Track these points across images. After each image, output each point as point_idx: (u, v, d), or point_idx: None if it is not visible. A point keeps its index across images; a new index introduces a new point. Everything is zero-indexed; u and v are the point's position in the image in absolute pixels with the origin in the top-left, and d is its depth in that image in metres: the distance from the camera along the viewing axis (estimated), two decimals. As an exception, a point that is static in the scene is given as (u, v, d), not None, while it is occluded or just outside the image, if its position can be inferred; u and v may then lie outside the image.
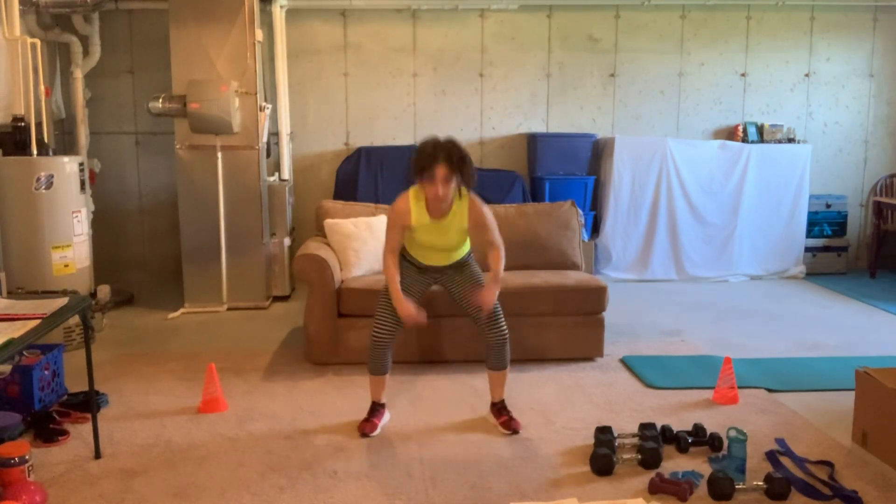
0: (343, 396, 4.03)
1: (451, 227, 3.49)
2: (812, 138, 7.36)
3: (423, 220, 3.47)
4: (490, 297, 3.47)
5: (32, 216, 4.74)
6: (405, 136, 7.12)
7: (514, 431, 3.56)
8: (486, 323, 3.58)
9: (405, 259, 3.65)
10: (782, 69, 7.29)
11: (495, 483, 3.07)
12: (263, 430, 3.60)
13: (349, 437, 3.51)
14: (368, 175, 6.71)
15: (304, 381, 4.28)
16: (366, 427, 3.56)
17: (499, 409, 3.68)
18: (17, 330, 2.72)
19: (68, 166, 4.87)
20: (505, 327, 3.61)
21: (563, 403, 3.93)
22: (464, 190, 3.48)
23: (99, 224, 6.46)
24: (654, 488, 2.97)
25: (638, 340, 5.04)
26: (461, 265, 3.66)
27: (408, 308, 3.44)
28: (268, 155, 6.41)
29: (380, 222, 4.90)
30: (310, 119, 7.08)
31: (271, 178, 6.39)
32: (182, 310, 5.85)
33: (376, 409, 3.67)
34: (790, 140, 7.14)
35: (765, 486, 2.94)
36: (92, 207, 5.95)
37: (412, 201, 3.47)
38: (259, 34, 5.99)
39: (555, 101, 7.21)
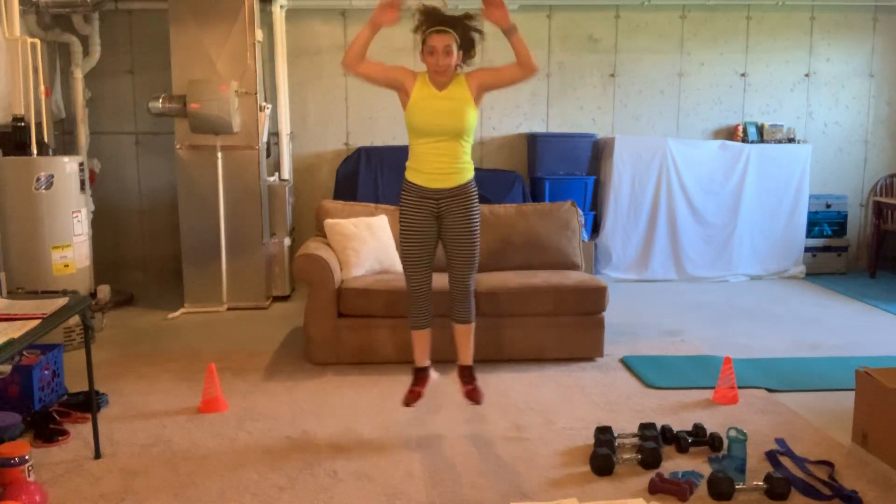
0: (343, 396, 4.03)
1: (455, 101, 3.42)
2: (812, 138, 7.36)
3: (427, 90, 3.42)
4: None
5: (32, 216, 4.74)
6: (405, 136, 7.08)
7: (476, 402, 3.51)
8: (457, 268, 3.50)
9: (404, 190, 3.54)
10: (782, 69, 7.29)
11: (495, 483, 3.07)
12: (263, 430, 3.60)
13: (349, 437, 3.51)
14: (368, 175, 6.71)
15: (304, 381, 4.28)
16: (409, 398, 3.53)
17: (465, 374, 3.62)
18: (17, 330, 2.72)
19: (68, 166, 4.87)
20: (470, 279, 3.51)
21: (563, 403, 3.93)
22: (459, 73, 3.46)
23: (99, 224, 6.46)
24: (654, 488, 2.97)
25: (638, 340, 5.03)
26: (463, 193, 3.49)
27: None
28: (268, 155, 6.41)
29: (380, 222, 4.91)
30: (310, 119, 7.08)
31: (271, 178, 6.39)
32: (182, 310, 5.85)
33: (420, 375, 3.61)
34: (790, 140, 7.14)
35: (765, 486, 2.93)
36: (92, 207, 5.95)
37: (418, 73, 3.45)
38: (259, 34, 5.99)
39: (555, 101, 7.20)
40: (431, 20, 3.38)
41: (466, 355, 3.62)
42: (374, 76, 3.48)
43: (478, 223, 3.54)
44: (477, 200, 3.55)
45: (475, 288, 3.65)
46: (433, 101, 3.41)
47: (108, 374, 4.37)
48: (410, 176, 3.53)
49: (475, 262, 3.54)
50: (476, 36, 3.43)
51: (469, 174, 3.52)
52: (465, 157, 3.49)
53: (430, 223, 3.51)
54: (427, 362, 3.63)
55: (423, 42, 3.36)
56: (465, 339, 3.60)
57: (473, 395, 3.54)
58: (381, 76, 3.48)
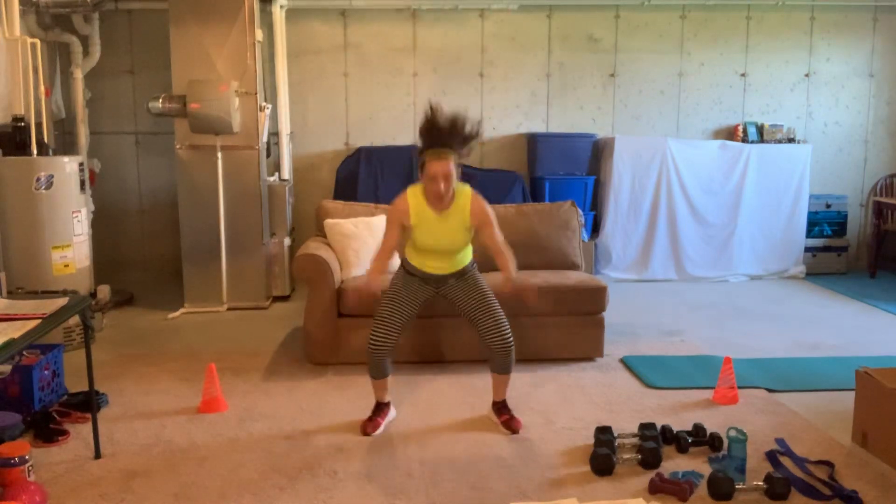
0: (343, 396, 4.03)
1: (453, 222, 3.46)
2: (812, 138, 7.36)
3: (424, 214, 3.44)
4: (512, 283, 3.52)
5: (32, 216, 4.74)
6: (405, 136, 7.12)
7: (514, 431, 3.56)
8: (490, 329, 3.54)
9: (406, 270, 3.63)
10: (782, 69, 7.29)
11: (495, 483, 3.07)
12: (263, 430, 3.60)
13: (349, 437, 3.51)
14: (368, 175, 6.71)
15: (304, 381, 4.28)
16: (368, 426, 3.56)
17: (500, 407, 3.68)
18: (17, 330, 2.72)
19: (68, 166, 4.87)
20: (509, 335, 3.57)
21: (563, 403, 3.93)
22: (466, 187, 3.49)
23: (99, 224, 6.46)
24: (654, 488, 2.97)
25: (638, 340, 5.03)
26: (463, 273, 3.61)
27: (374, 284, 3.52)
28: (268, 155, 6.41)
29: (380, 222, 4.91)
30: (310, 119, 7.08)
31: (271, 178, 6.39)
32: (182, 310, 5.85)
33: (381, 408, 3.67)
34: (790, 140, 7.14)
35: (765, 486, 2.93)
36: (92, 207, 5.96)
37: (410, 198, 3.47)
38: (259, 34, 5.99)
39: (555, 101, 7.21)
40: (428, 136, 3.41)
41: (501, 395, 3.70)
42: (398, 242, 3.59)
43: (486, 283, 3.63)
44: (477, 270, 3.67)
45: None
46: (433, 224, 3.47)
47: (108, 374, 4.37)
48: (411, 259, 3.61)
49: (502, 313, 3.59)
50: (474, 142, 3.52)
51: (468, 259, 3.64)
52: (464, 252, 3.61)
53: (422, 293, 3.62)
54: (387, 399, 3.71)
55: (422, 166, 3.39)
56: (502, 383, 3.68)
57: (511, 424, 3.59)
58: (398, 236, 3.56)
